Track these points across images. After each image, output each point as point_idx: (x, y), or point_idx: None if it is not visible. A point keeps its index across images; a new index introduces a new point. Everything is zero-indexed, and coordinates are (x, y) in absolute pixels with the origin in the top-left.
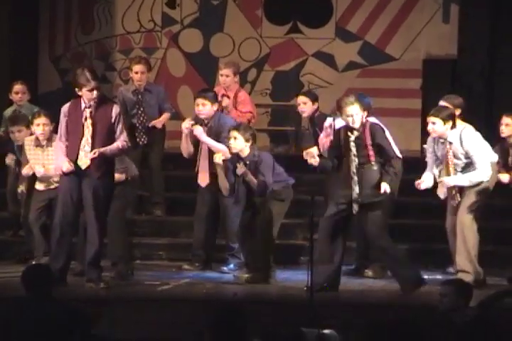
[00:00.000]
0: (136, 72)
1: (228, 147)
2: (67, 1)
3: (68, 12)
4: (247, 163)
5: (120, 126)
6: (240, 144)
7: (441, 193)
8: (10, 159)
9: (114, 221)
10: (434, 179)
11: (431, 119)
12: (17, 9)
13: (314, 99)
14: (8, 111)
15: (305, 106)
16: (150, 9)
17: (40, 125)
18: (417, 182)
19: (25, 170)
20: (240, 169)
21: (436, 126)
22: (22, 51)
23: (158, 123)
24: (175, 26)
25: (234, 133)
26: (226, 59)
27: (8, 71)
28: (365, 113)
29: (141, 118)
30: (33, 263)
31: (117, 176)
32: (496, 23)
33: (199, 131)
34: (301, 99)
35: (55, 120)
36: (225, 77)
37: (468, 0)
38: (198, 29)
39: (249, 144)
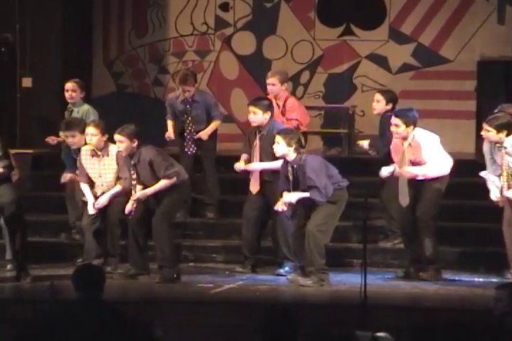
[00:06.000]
0: (184, 91)
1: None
2: (120, 5)
3: (122, 15)
4: (294, 166)
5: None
6: (283, 149)
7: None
8: (65, 178)
9: (160, 224)
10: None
11: (485, 127)
12: (70, 13)
13: (389, 99)
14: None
15: (377, 104)
16: (203, 12)
17: (89, 135)
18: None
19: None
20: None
21: (489, 133)
22: (76, 55)
23: (204, 135)
24: (228, 29)
25: (277, 138)
26: (279, 61)
27: (62, 75)
28: (411, 127)
29: (190, 128)
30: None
31: (168, 181)
32: None
33: (253, 168)
34: (376, 96)
35: (109, 124)
36: (272, 85)
37: None
38: (251, 31)
39: (292, 148)
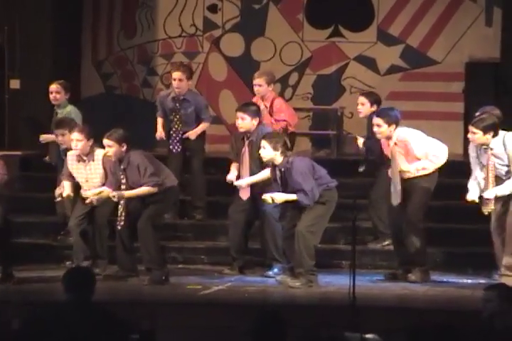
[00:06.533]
0: (174, 79)
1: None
2: (110, 6)
3: (111, 17)
4: (282, 170)
5: None
6: (269, 153)
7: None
8: (58, 193)
9: (145, 225)
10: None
11: (472, 129)
12: (60, 14)
13: (373, 101)
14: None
15: (362, 107)
16: (191, 14)
17: (74, 140)
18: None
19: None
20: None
21: (476, 135)
22: (65, 56)
23: (192, 134)
24: (216, 30)
25: (262, 143)
26: (267, 63)
27: (50, 75)
28: (393, 126)
29: (176, 126)
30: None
31: (148, 188)
32: None
33: (241, 184)
34: (360, 99)
35: (97, 126)
36: (258, 86)
37: (511, 3)
38: (240, 33)
39: (278, 152)
